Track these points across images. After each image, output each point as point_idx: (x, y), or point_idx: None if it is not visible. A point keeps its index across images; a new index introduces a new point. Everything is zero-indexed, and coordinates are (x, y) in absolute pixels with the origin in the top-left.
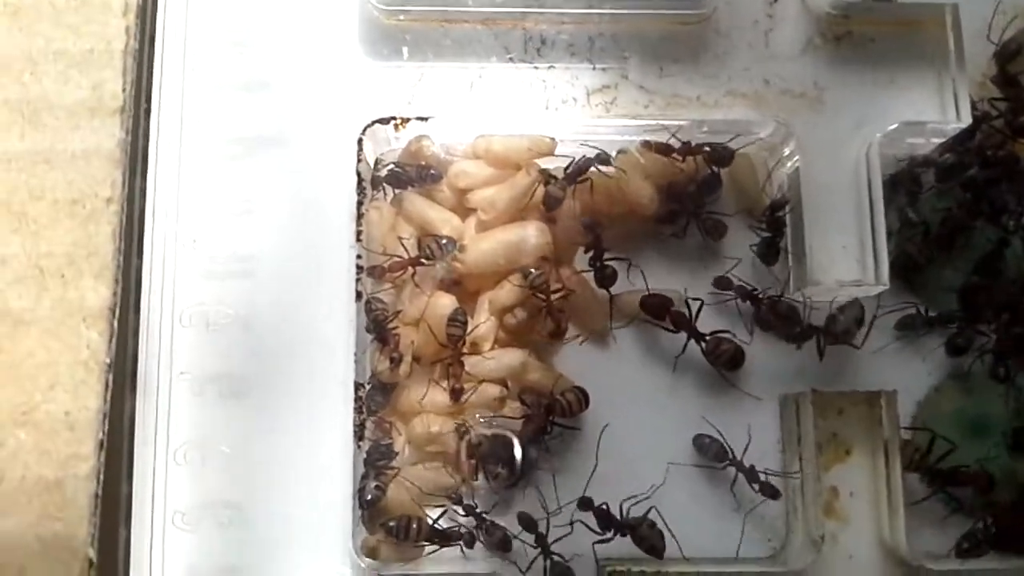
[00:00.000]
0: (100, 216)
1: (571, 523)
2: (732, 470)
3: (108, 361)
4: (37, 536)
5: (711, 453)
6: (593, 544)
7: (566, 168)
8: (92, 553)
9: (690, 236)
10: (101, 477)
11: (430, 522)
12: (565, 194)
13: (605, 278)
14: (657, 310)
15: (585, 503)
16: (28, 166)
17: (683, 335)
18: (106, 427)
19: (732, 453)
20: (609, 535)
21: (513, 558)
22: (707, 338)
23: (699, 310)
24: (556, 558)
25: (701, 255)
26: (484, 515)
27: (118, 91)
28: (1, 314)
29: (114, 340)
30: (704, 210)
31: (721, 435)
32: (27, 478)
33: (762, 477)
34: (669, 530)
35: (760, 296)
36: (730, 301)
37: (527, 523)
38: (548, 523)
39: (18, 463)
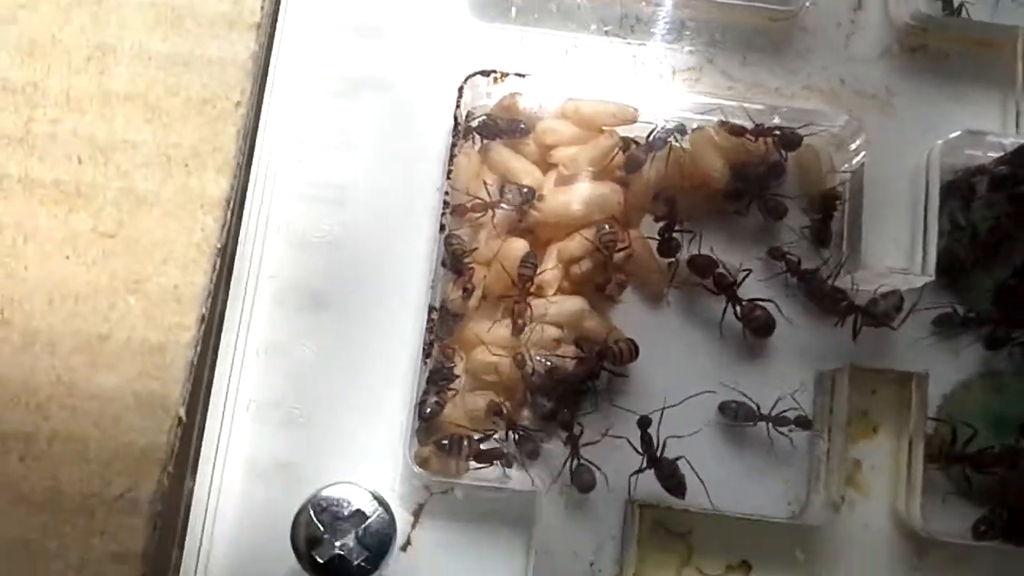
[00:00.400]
0: (228, 117)
1: (603, 434)
2: (764, 432)
3: (219, 246)
4: (134, 392)
5: (741, 415)
6: (629, 477)
7: (648, 135)
8: (182, 412)
9: (752, 216)
10: (199, 348)
11: (476, 439)
12: (646, 158)
13: (670, 249)
14: (702, 269)
15: (644, 422)
16: (167, 65)
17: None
18: (208, 304)
19: (758, 408)
20: (644, 464)
21: (547, 478)
22: (743, 303)
23: (743, 278)
24: (583, 462)
25: (761, 235)
26: (518, 425)
27: (256, 8)
28: (126, 192)
29: (226, 228)
30: (767, 192)
31: (746, 396)
32: (132, 339)
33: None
34: (698, 476)
35: (807, 271)
36: (781, 274)
37: (564, 423)
38: (581, 431)
39: (125, 325)
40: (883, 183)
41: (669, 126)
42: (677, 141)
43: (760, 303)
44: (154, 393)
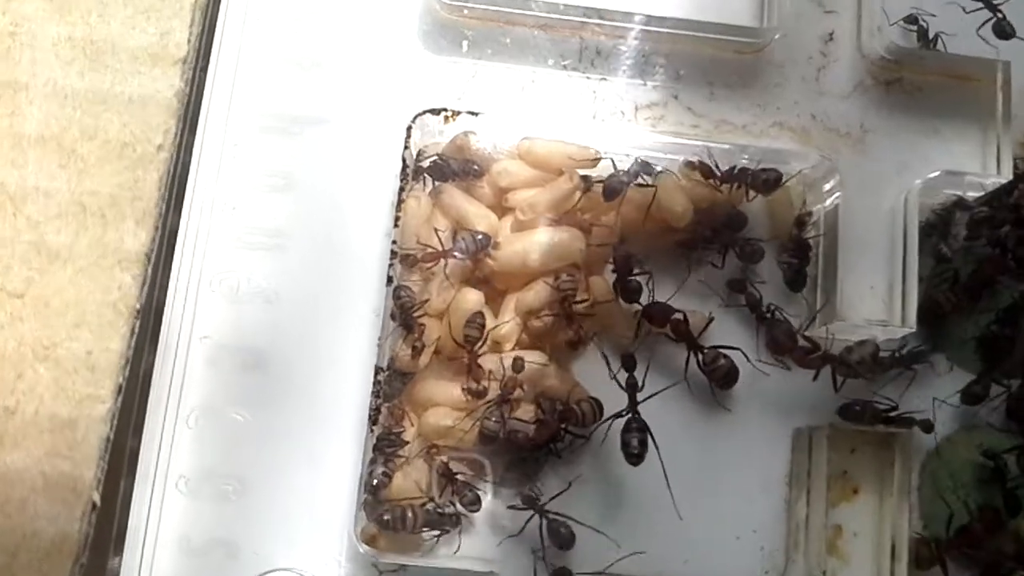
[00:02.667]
0: (149, 162)
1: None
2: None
3: (138, 307)
4: (43, 472)
5: (866, 418)
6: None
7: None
8: (96, 497)
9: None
10: (115, 422)
11: (424, 508)
12: (625, 186)
13: (630, 292)
14: (659, 318)
15: (630, 364)
16: (84, 104)
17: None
18: (127, 373)
19: (890, 408)
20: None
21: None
22: (705, 351)
23: (706, 326)
24: (554, 517)
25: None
26: (457, 476)
27: (183, 41)
28: (36, 247)
29: (146, 287)
30: (740, 236)
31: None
32: (40, 413)
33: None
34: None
35: (766, 309)
36: (742, 306)
37: (527, 500)
38: (539, 491)
39: (34, 397)
40: (857, 226)
41: (642, 159)
42: (650, 174)
43: (723, 351)
44: (65, 474)
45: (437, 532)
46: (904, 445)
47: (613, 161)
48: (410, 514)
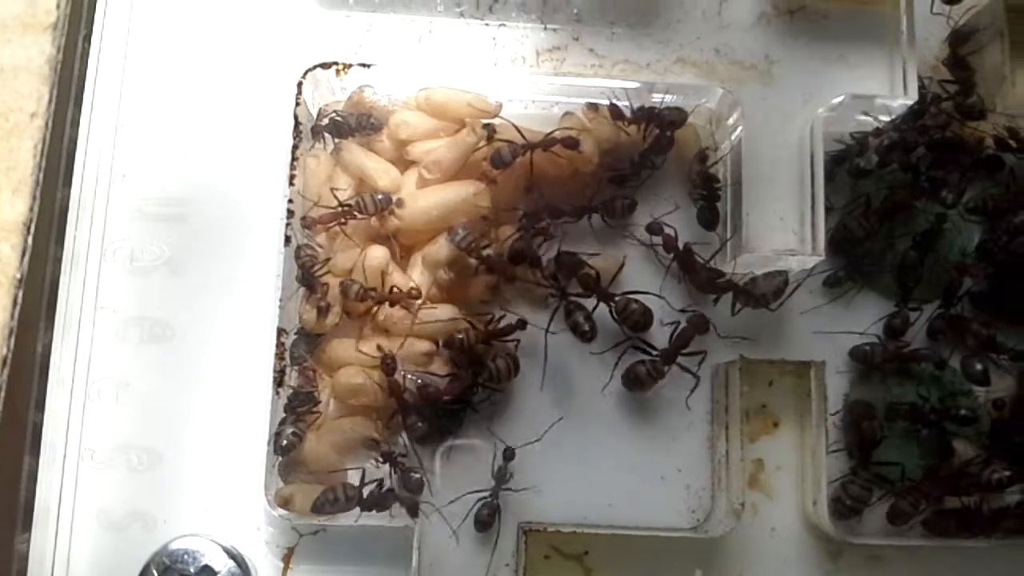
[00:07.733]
0: (23, 131)
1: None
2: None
3: (19, 276)
4: None
5: (876, 357)
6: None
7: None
8: None
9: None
10: (1, 395)
11: (355, 485)
12: (514, 160)
13: (515, 254)
14: (568, 268)
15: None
16: None
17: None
18: (11, 344)
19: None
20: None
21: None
22: (616, 299)
23: (618, 272)
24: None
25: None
26: (396, 460)
27: (52, 7)
28: None
29: (27, 257)
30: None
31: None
32: None
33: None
34: None
35: (681, 248)
36: (656, 247)
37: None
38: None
39: None
40: (764, 158)
41: (558, 135)
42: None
43: (633, 296)
44: None
45: (371, 510)
46: (819, 374)
47: (518, 129)
48: (341, 495)
